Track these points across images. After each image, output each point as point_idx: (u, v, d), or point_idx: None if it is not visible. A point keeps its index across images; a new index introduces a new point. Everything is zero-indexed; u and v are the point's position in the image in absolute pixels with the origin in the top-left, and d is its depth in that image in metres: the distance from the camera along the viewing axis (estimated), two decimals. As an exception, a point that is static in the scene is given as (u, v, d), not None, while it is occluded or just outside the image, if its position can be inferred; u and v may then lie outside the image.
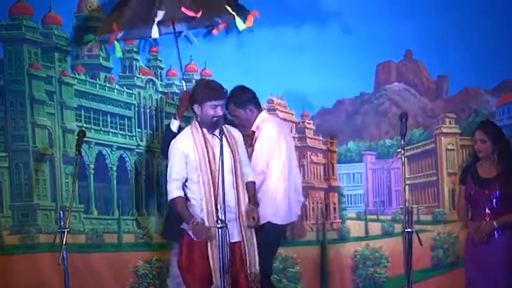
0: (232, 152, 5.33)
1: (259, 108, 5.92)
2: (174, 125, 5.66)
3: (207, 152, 5.24)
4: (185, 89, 5.87)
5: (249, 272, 5.28)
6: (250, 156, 5.67)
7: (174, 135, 5.49)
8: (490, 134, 5.61)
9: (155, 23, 5.58)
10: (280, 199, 5.71)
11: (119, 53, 5.97)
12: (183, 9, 5.64)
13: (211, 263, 5.19)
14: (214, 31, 6.25)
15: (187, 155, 5.27)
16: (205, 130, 5.29)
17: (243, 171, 5.39)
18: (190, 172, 5.27)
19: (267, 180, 5.72)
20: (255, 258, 5.30)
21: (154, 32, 5.62)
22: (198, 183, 5.25)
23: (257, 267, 5.30)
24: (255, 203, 5.37)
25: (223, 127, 5.26)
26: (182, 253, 5.30)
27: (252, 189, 5.43)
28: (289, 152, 5.81)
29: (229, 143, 5.33)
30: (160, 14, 5.59)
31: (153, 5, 5.62)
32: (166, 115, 6.95)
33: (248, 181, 5.43)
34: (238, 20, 5.78)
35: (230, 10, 5.74)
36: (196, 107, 5.33)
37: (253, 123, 5.86)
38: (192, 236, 5.22)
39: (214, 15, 5.88)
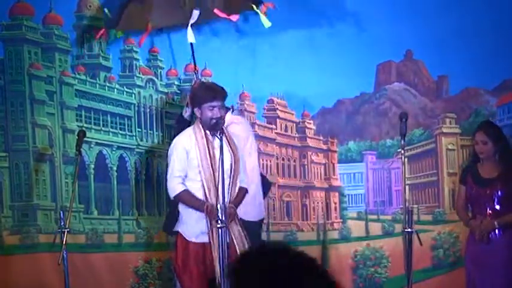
0: (233, 154, 5.33)
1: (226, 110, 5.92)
2: (187, 112, 5.68)
3: (209, 151, 5.24)
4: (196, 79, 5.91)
5: None
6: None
7: (186, 122, 5.51)
8: (491, 135, 5.61)
9: (189, 25, 5.54)
10: (251, 196, 5.70)
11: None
12: (216, 11, 5.60)
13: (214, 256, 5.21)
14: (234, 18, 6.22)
15: (188, 152, 5.29)
16: (207, 131, 5.29)
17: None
18: (190, 170, 5.28)
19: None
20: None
21: (191, 36, 5.58)
22: (200, 181, 5.28)
23: None
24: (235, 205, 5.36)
25: (223, 128, 5.27)
26: (178, 256, 5.31)
27: (241, 195, 5.43)
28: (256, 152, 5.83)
29: (230, 145, 5.34)
30: (195, 15, 5.55)
31: (184, 4, 5.57)
32: (166, 115, 6.95)
33: (241, 186, 5.44)
34: (263, 17, 5.79)
35: (256, 8, 5.74)
36: (196, 110, 5.35)
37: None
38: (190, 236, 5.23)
39: (240, 11, 5.85)
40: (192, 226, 5.32)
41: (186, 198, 5.31)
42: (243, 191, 5.46)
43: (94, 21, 6.74)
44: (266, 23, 5.84)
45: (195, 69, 6.12)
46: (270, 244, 2.67)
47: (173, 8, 5.63)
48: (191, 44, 5.92)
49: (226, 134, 5.35)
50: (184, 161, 5.31)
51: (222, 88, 5.37)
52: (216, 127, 5.21)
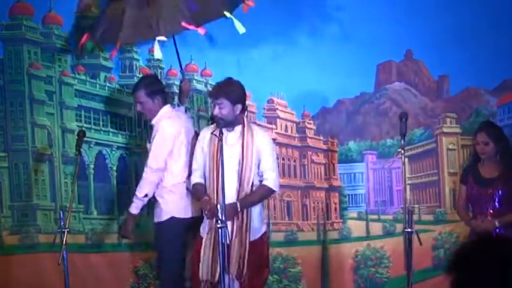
0: (244, 152, 5.32)
1: (165, 102, 5.92)
2: None
3: (217, 147, 5.23)
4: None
5: (233, 274, 5.29)
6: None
7: None
8: (492, 135, 5.62)
9: (156, 41, 5.64)
10: (181, 194, 5.74)
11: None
12: (183, 23, 5.65)
13: (201, 255, 5.26)
14: (201, 31, 6.25)
15: (203, 146, 5.42)
16: (224, 128, 5.28)
17: (265, 175, 5.38)
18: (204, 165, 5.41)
19: (167, 177, 5.77)
20: (238, 262, 5.29)
21: (157, 52, 5.71)
22: (208, 178, 5.38)
23: (240, 272, 5.30)
24: (241, 203, 5.33)
25: (243, 124, 5.33)
26: (193, 256, 5.40)
27: (258, 192, 5.39)
28: (189, 149, 5.82)
29: (243, 142, 5.33)
30: (162, 32, 5.62)
31: (152, 21, 5.63)
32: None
33: (263, 184, 5.41)
34: (237, 23, 5.79)
35: (229, 15, 5.76)
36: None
37: (155, 115, 5.85)
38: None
39: (212, 20, 5.87)
40: (204, 222, 5.41)
41: (195, 188, 5.48)
42: (264, 189, 5.42)
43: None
44: (240, 29, 5.85)
45: (181, 68, 6.21)
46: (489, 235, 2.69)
47: (142, 26, 5.71)
48: (174, 43, 6.01)
49: (245, 129, 5.35)
50: (200, 155, 5.47)
51: (222, 85, 5.40)
52: (216, 124, 5.24)
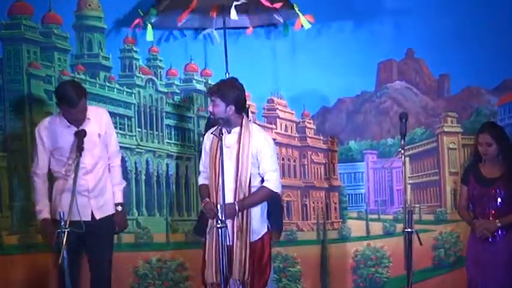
0: (241, 152, 5.32)
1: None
2: None
3: (216, 147, 5.26)
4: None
5: (235, 278, 5.29)
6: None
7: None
8: (495, 136, 5.63)
9: (233, 4, 5.72)
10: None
11: (150, 37, 6.10)
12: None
13: (206, 258, 5.28)
14: (249, 30, 6.51)
15: (205, 147, 5.51)
16: (223, 129, 5.28)
17: (265, 177, 5.39)
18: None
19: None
20: (241, 265, 5.29)
21: (233, 14, 5.76)
22: (209, 178, 5.44)
23: (242, 275, 5.31)
24: (240, 204, 5.32)
25: (241, 125, 5.33)
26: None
27: (258, 194, 5.40)
28: None
29: (240, 142, 5.33)
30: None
31: None
32: (166, 115, 6.93)
33: (263, 185, 5.42)
34: (303, 19, 6.03)
35: (297, 9, 5.96)
36: None
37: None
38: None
39: (282, 10, 5.97)
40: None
41: (200, 189, 5.61)
42: (264, 191, 5.42)
43: (94, 21, 6.74)
44: (306, 24, 6.06)
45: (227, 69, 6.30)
46: None
47: None
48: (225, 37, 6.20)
49: (243, 129, 5.37)
50: (204, 156, 5.55)
51: (221, 84, 5.46)
52: (217, 124, 5.26)
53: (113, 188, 5.81)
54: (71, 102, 5.51)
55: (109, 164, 5.81)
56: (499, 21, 6.82)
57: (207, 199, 5.41)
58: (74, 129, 5.62)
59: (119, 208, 5.83)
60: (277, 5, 5.85)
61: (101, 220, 5.72)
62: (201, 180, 5.62)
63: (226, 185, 5.15)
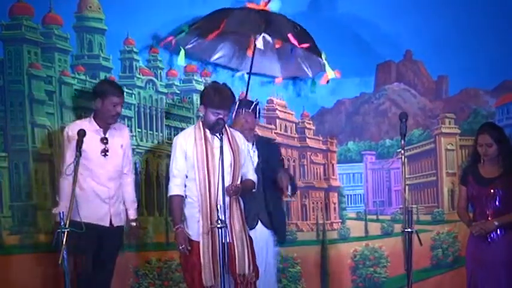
0: (233, 154, 5.33)
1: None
2: None
3: (206, 150, 5.26)
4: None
5: (237, 273, 5.29)
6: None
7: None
8: (495, 137, 5.64)
9: (262, 34, 5.68)
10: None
11: (181, 61, 6.12)
12: (289, 35, 5.73)
13: (202, 262, 5.22)
14: (278, 80, 6.50)
15: (186, 151, 5.33)
16: (207, 130, 5.30)
17: (242, 173, 5.42)
18: (188, 169, 5.31)
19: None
20: (244, 260, 5.30)
21: (260, 42, 5.69)
22: (195, 180, 5.28)
23: (246, 269, 5.30)
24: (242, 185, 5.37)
25: (224, 128, 5.28)
26: (188, 263, 5.34)
27: (249, 183, 5.45)
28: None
29: (230, 145, 5.35)
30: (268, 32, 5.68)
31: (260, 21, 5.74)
32: (166, 115, 6.95)
33: (248, 178, 5.47)
34: (330, 72, 6.02)
35: (324, 58, 5.96)
36: (201, 107, 5.38)
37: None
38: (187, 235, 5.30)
39: (312, 55, 5.96)
40: (193, 225, 5.35)
41: (174, 204, 5.37)
42: (249, 183, 5.48)
43: (94, 22, 6.76)
44: (331, 74, 6.04)
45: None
46: None
47: (248, 23, 5.81)
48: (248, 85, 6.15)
49: (228, 133, 5.36)
50: (181, 160, 5.35)
51: (232, 95, 5.36)
52: (215, 128, 5.22)
53: (128, 204, 5.98)
54: (116, 91, 5.79)
55: (123, 179, 5.94)
56: (497, 23, 6.84)
57: (182, 226, 5.31)
58: (101, 134, 5.79)
59: (133, 224, 6.02)
60: (305, 45, 5.81)
61: (117, 227, 5.89)
62: (174, 189, 5.36)
63: (218, 183, 5.16)
